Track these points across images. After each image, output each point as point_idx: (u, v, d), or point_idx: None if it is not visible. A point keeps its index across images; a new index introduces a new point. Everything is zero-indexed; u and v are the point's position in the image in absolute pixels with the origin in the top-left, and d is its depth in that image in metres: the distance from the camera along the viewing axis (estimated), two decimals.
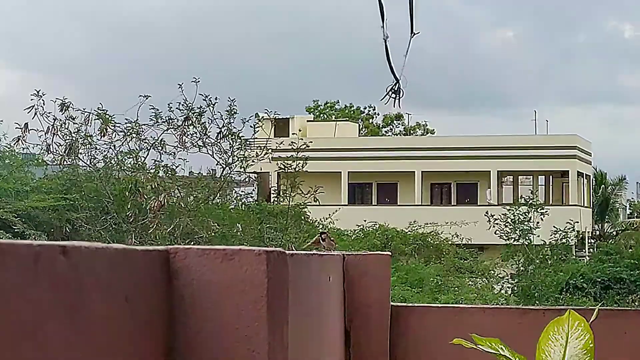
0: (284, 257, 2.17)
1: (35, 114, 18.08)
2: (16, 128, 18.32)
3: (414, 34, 4.55)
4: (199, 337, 1.96)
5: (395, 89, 4.57)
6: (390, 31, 4.70)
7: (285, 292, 2.17)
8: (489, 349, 3.76)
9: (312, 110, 59.76)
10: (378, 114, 62.02)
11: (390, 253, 5.15)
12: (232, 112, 19.38)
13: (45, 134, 18.22)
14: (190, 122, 18.87)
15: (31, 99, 18.06)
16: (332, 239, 6.36)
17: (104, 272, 1.63)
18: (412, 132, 61.06)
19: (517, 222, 30.52)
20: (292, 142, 22.40)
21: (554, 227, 30.56)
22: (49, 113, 18.31)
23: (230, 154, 19.49)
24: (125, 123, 19.09)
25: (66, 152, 18.56)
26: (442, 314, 4.96)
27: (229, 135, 19.32)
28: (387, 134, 60.91)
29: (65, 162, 19.24)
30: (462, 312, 4.96)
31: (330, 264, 4.44)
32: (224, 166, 19.65)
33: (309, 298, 3.73)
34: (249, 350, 1.97)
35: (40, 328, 1.40)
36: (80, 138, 18.87)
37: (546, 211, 30.62)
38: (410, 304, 5.19)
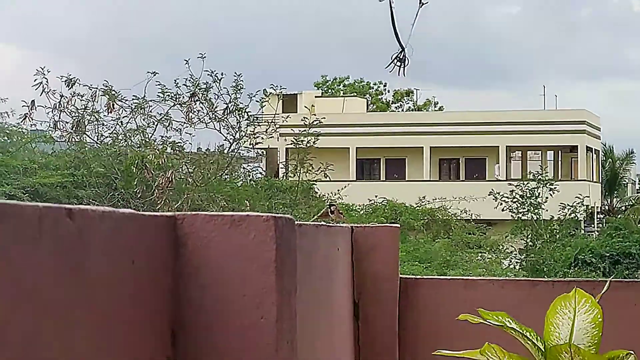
0: (292, 224, 2.15)
1: (43, 91, 18.08)
2: (23, 106, 18.32)
3: (423, 4, 4.51)
4: (206, 303, 1.95)
5: (401, 57, 4.55)
6: (399, 3, 4.67)
7: (293, 259, 2.15)
8: (496, 322, 3.75)
9: (320, 85, 59.64)
10: (388, 91, 61.89)
11: (398, 225, 5.13)
12: (239, 88, 19.33)
13: (52, 110, 18.22)
14: (197, 97, 18.83)
15: (34, 78, 18.05)
16: (340, 211, 6.35)
17: (110, 236, 1.62)
18: (421, 108, 60.94)
19: (525, 197, 30.51)
20: (304, 118, 22.33)
21: (561, 203, 30.53)
22: (54, 90, 18.32)
23: (237, 129, 19.45)
24: (132, 100, 19.07)
25: (73, 128, 18.55)
26: (451, 287, 4.95)
27: (236, 111, 19.28)
28: (396, 111, 60.81)
29: (72, 139, 19.23)
30: (470, 284, 4.95)
31: (338, 235, 4.43)
32: (232, 142, 19.63)
33: (318, 269, 3.72)
34: (257, 317, 1.96)
35: (42, 289, 1.38)
36: (87, 114, 18.86)
37: (555, 187, 30.58)
38: (419, 276, 5.18)
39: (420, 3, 4.50)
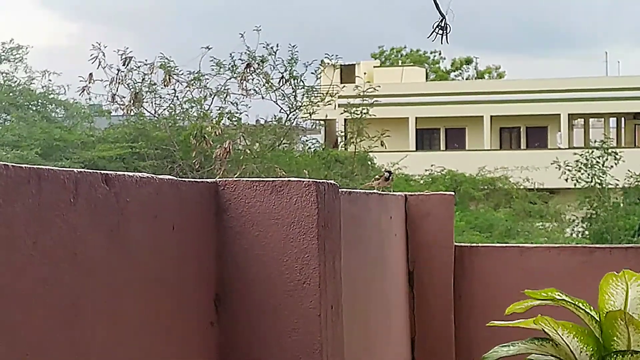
0: (335, 189, 2.15)
1: (99, 65, 18.21)
2: (80, 81, 18.47)
3: None
4: (249, 268, 1.96)
5: (442, 25, 4.50)
6: None
7: (336, 224, 2.15)
8: (544, 299, 3.71)
9: (377, 56, 59.36)
10: (444, 58, 61.40)
11: (453, 193, 5.10)
12: (294, 60, 19.30)
13: (109, 84, 18.35)
14: (253, 69, 18.84)
15: (91, 53, 18.17)
16: (388, 179, 6.28)
17: (148, 201, 1.63)
18: (481, 76, 60.39)
19: (589, 167, 30.13)
20: (356, 86, 22.24)
21: (628, 171, 30.08)
22: (111, 66, 18.44)
23: (293, 98, 19.45)
24: (188, 73, 19.14)
25: (132, 101, 18.68)
26: (507, 254, 4.92)
27: (292, 79, 19.26)
28: (456, 79, 60.34)
29: (130, 111, 19.37)
30: (526, 251, 4.91)
31: (391, 203, 4.42)
32: (288, 112, 19.64)
33: (370, 236, 3.72)
34: (299, 282, 1.96)
35: (79, 248, 1.40)
36: (145, 87, 18.98)
37: (620, 157, 30.13)
38: (474, 244, 5.15)
39: None
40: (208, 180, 1.96)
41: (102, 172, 1.47)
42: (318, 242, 1.98)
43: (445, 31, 4.54)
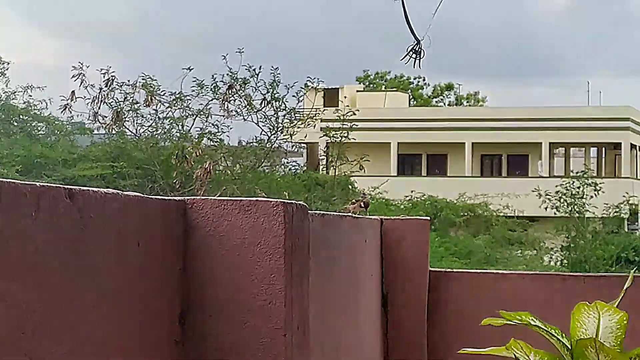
0: (304, 210, 2.16)
1: (81, 83, 18.21)
2: (61, 99, 18.45)
3: None
4: (213, 286, 1.96)
5: (417, 49, 4.53)
6: None
7: (304, 245, 2.15)
8: (519, 322, 3.73)
9: (362, 80, 59.55)
10: (428, 84, 61.65)
11: (428, 217, 5.11)
12: (276, 83, 19.36)
13: (91, 102, 18.35)
14: (234, 90, 18.88)
15: (73, 70, 18.18)
16: (362, 205, 6.28)
17: (114, 217, 1.63)
18: (463, 101, 60.66)
19: (569, 196, 30.26)
20: (337, 110, 22.29)
21: (605, 203, 30.22)
22: (93, 85, 18.44)
23: (275, 120, 19.48)
24: (170, 94, 19.17)
25: (113, 119, 18.67)
26: (481, 280, 4.93)
27: (274, 101, 19.31)
28: (437, 105, 60.56)
29: (112, 130, 19.35)
30: (500, 277, 4.93)
31: (367, 227, 4.42)
32: (270, 134, 19.66)
33: (343, 258, 3.72)
34: (265, 302, 1.96)
35: (40, 264, 1.40)
36: (127, 106, 18.99)
37: (600, 188, 30.27)
38: (449, 269, 5.16)
39: None
40: (176, 198, 1.96)
41: (66, 187, 1.47)
42: (285, 262, 1.98)
43: (419, 55, 4.57)
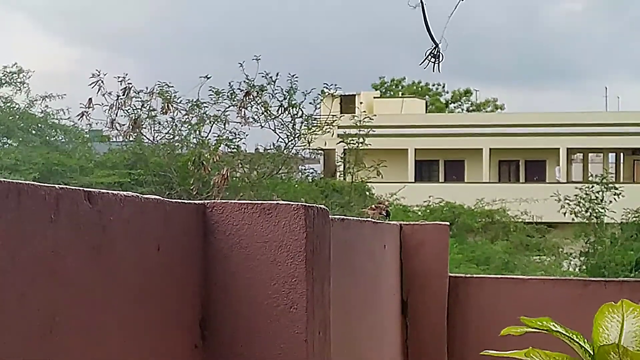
0: (325, 214, 2.13)
1: (98, 90, 18.27)
2: (80, 106, 18.51)
3: None
4: (235, 290, 1.93)
5: (435, 53, 4.50)
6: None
7: (325, 249, 2.13)
8: (540, 328, 3.69)
9: (378, 87, 59.52)
10: (447, 92, 61.60)
11: (448, 223, 5.08)
12: (293, 90, 19.37)
13: (109, 109, 18.41)
14: (252, 97, 18.91)
15: (92, 77, 18.24)
16: (383, 212, 6.24)
17: (133, 220, 1.61)
18: (481, 108, 60.56)
19: (588, 201, 30.13)
20: (353, 116, 22.28)
21: (624, 209, 30.08)
22: (110, 93, 18.50)
23: (292, 126, 19.50)
24: (187, 101, 19.23)
25: (130, 127, 18.72)
26: (501, 285, 4.90)
27: (290, 107, 19.32)
28: (455, 111, 60.50)
29: (129, 137, 19.41)
30: (520, 283, 4.89)
31: (386, 232, 4.40)
32: (287, 140, 19.67)
33: (362, 263, 3.69)
34: (286, 306, 1.94)
35: (59, 267, 1.38)
36: (144, 113, 19.05)
37: (620, 192, 30.14)
38: (469, 275, 5.12)
39: None
40: (196, 201, 1.94)
41: (85, 189, 1.45)
42: (306, 266, 1.96)
43: (437, 59, 4.54)
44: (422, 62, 4.60)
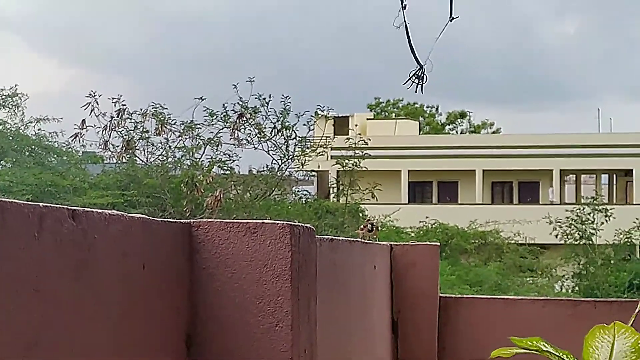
0: (311, 233, 2.14)
1: (91, 111, 18.28)
2: (74, 127, 18.52)
3: (453, 19, 4.48)
4: (221, 309, 1.94)
5: (419, 74, 4.52)
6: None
7: (312, 268, 2.14)
8: (531, 348, 3.69)
9: (373, 107, 59.61)
10: (441, 114, 61.73)
11: (438, 243, 5.09)
12: (287, 112, 19.41)
13: (102, 131, 18.42)
14: (245, 119, 18.94)
15: (85, 99, 18.27)
16: (371, 230, 6.26)
17: (118, 239, 1.62)
18: (476, 130, 60.70)
19: (580, 223, 30.17)
20: (347, 138, 22.32)
21: (616, 229, 30.13)
22: (104, 114, 18.51)
23: (285, 148, 19.52)
24: (181, 123, 19.25)
25: (124, 148, 18.73)
26: (491, 306, 4.90)
27: (284, 129, 19.36)
28: (451, 132, 60.61)
29: (122, 158, 19.42)
30: (511, 303, 4.90)
31: (376, 253, 4.41)
32: (280, 162, 19.69)
33: (351, 283, 3.70)
34: (271, 324, 1.95)
35: (44, 284, 1.40)
36: (137, 134, 19.06)
37: (611, 214, 30.18)
38: (459, 295, 5.13)
39: (450, 18, 4.47)
40: (182, 220, 1.95)
41: (70, 207, 1.46)
42: (292, 285, 1.97)
43: (421, 80, 4.57)
44: (405, 83, 4.62)
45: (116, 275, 1.62)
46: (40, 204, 1.39)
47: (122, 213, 1.64)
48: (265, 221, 2.00)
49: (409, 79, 4.51)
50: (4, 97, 26.39)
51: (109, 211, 1.59)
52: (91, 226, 1.53)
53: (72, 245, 1.47)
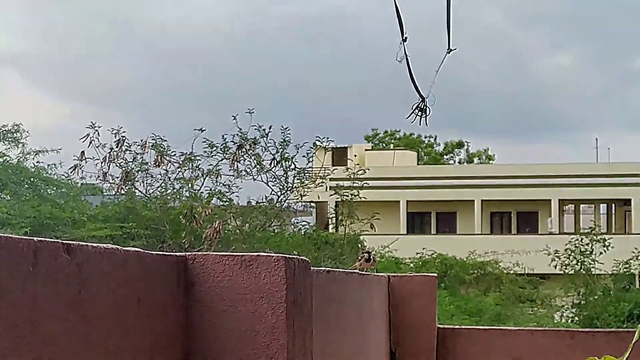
0: (306, 265, 2.15)
1: (90, 143, 18.32)
2: (73, 159, 18.56)
3: (450, 50, 4.52)
4: (216, 343, 1.95)
5: (422, 106, 4.55)
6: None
7: (308, 300, 2.14)
8: None
9: (371, 139, 59.75)
10: (439, 144, 61.87)
11: (436, 274, 5.09)
12: (286, 143, 19.46)
13: (101, 162, 18.45)
14: (244, 150, 18.98)
15: (83, 130, 18.33)
16: (368, 261, 6.26)
17: (113, 273, 1.63)
18: (472, 159, 60.81)
19: (578, 253, 30.16)
20: (347, 169, 22.37)
21: (615, 260, 30.10)
22: (104, 145, 18.56)
23: (284, 180, 19.55)
24: (180, 154, 19.29)
25: (122, 179, 18.75)
26: (490, 336, 4.90)
27: (283, 161, 19.40)
28: (448, 162, 60.72)
29: (121, 190, 19.43)
30: (509, 334, 4.90)
31: (373, 284, 4.41)
32: (279, 194, 19.71)
33: (349, 315, 3.70)
34: (267, 357, 1.95)
35: (38, 319, 1.40)
36: (136, 166, 19.09)
37: (609, 244, 30.15)
38: (457, 326, 5.13)
39: (448, 50, 4.50)
40: (177, 254, 1.96)
41: (64, 241, 1.47)
42: (287, 317, 1.97)
43: (424, 113, 4.59)
44: (409, 116, 4.65)
45: (111, 310, 1.62)
46: (35, 238, 1.40)
47: (117, 247, 1.65)
48: (261, 254, 2.00)
49: (412, 112, 4.54)
50: (4, 132, 26.47)
51: (104, 245, 1.60)
52: (86, 260, 1.54)
53: (66, 279, 1.48)
